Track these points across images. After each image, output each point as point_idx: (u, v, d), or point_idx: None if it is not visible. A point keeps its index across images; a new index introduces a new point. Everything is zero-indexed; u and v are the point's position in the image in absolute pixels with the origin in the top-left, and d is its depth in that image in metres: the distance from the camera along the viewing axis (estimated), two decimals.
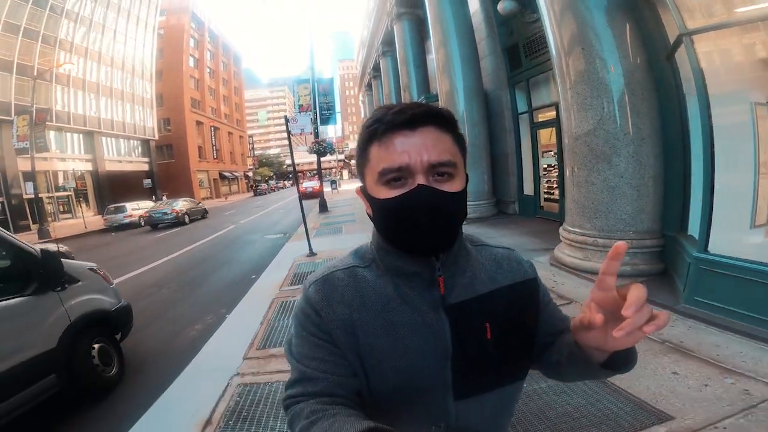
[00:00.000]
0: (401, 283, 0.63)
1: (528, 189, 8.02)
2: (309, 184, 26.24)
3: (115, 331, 3.20)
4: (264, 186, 47.73)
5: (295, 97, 16.80)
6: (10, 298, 2.32)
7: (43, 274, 2.49)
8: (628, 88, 3.59)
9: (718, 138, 2.83)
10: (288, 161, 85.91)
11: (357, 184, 0.68)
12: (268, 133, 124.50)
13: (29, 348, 2.34)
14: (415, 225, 0.56)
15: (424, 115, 0.56)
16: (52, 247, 3.08)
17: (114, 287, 3.39)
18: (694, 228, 3.16)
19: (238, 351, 3.13)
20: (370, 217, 0.64)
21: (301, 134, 10.07)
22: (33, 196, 16.19)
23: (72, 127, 24.85)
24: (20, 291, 2.40)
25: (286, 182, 68.49)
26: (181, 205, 17.36)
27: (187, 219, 16.95)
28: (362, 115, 39.63)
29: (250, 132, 68.48)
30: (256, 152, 68.74)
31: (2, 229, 2.54)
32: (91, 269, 3.19)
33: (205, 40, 48.67)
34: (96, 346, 2.90)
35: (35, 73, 20.28)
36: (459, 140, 0.60)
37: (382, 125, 0.57)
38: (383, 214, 0.59)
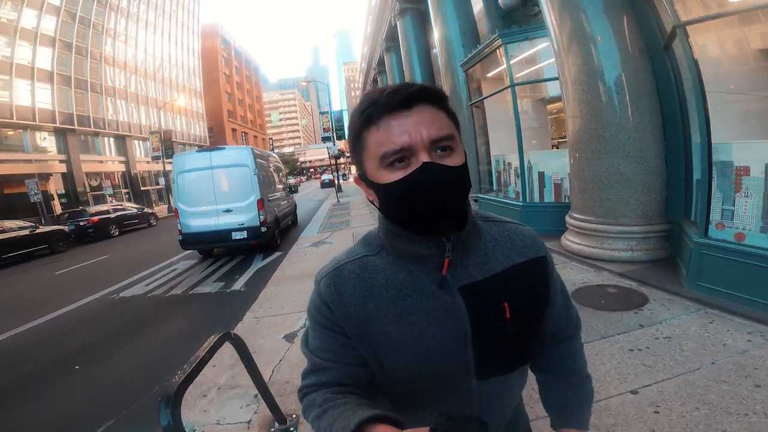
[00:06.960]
0: (413, 268, 0.62)
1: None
2: (326, 177, 36.50)
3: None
4: None
5: (320, 123, 26.74)
6: (289, 195, 12.31)
7: (292, 190, 12.62)
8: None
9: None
10: (302, 158, 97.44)
11: None
12: (281, 133, 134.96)
13: (290, 206, 12.42)
14: (426, 203, 0.55)
15: (418, 93, 0.56)
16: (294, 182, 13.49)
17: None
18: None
19: (319, 222, 12.97)
20: (373, 204, 0.63)
21: (328, 150, 20.05)
22: (163, 186, 26.92)
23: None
24: (289, 193, 12.46)
25: (302, 177, 78.80)
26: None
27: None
28: None
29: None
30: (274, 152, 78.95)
31: (284, 176, 12.56)
32: None
33: (232, 58, 58.68)
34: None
35: (133, 100, 30.36)
36: (452, 116, 0.60)
37: (378, 108, 0.55)
38: (390, 197, 0.58)
